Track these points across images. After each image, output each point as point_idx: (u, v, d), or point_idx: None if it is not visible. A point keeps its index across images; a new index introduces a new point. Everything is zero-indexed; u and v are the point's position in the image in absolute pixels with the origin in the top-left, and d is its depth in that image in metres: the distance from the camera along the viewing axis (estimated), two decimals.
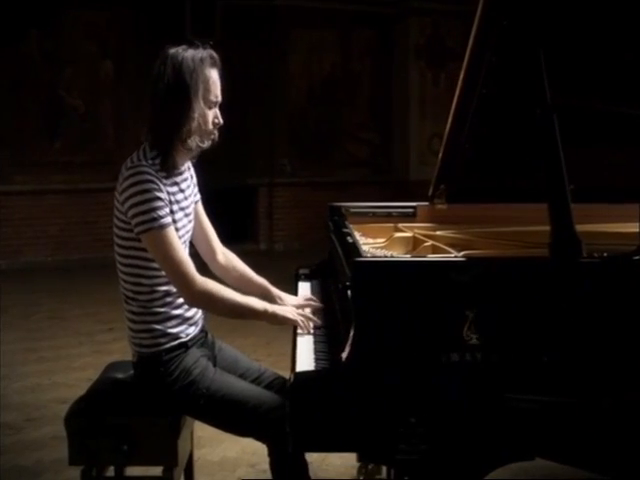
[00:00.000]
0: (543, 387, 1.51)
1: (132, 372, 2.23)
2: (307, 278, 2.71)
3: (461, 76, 2.19)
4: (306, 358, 1.73)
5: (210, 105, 1.87)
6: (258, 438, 1.98)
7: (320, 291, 2.53)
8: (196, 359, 1.94)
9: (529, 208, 2.53)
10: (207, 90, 1.85)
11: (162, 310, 1.89)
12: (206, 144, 1.91)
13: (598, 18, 1.99)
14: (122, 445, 1.93)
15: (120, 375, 2.24)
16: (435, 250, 2.14)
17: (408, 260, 1.62)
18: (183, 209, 1.92)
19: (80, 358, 4.45)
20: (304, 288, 2.60)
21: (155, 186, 1.79)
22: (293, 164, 8.58)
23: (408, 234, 2.44)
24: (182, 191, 1.93)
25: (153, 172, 1.81)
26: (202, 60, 1.84)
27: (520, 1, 1.82)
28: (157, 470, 2.11)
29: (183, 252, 1.84)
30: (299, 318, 1.93)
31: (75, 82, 7.50)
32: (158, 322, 1.89)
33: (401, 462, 1.44)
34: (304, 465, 1.95)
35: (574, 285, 1.51)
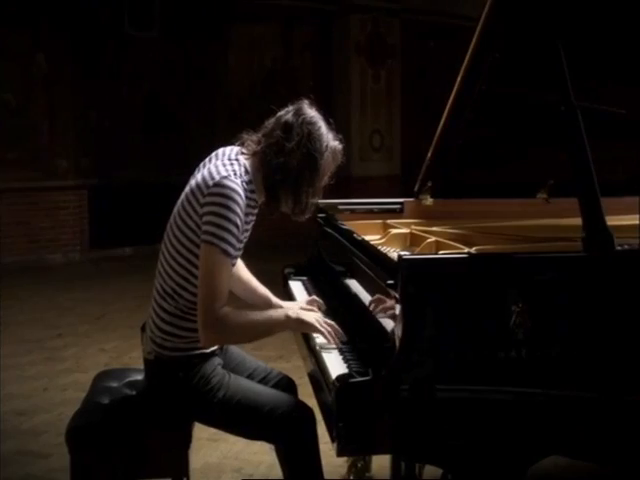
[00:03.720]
0: (578, 382, 1.53)
1: (127, 380, 2.14)
2: (296, 276, 2.67)
3: (461, 73, 2.20)
4: (336, 362, 1.69)
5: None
6: (272, 441, 1.94)
7: (314, 287, 2.49)
8: (214, 367, 1.89)
9: (518, 203, 2.61)
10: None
11: (195, 318, 1.81)
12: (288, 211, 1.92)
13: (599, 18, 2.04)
14: (133, 459, 1.83)
15: (114, 384, 2.13)
16: (439, 246, 2.13)
17: (459, 257, 1.61)
18: (241, 241, 1.87)
19: (32, 367, 4.22)
20: (297, 287, 2.56)
21: (240, 212, 1.76)
22: None
23: (404, 230, 2.43)
24: (247, 223, 1.87)
25: (244, 197, 1.78)
26: (336, 156, 1.95)
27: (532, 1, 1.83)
28: None
29: (226, 285, 1.78)
30: (325, 328, 1.83)
31: (5, 76, 7.11)
32: (188, 329, 1.83)
33: (449, 459, 1.44)
34: (320, 463, 1.93)
35: (609, 278, 1.54)
